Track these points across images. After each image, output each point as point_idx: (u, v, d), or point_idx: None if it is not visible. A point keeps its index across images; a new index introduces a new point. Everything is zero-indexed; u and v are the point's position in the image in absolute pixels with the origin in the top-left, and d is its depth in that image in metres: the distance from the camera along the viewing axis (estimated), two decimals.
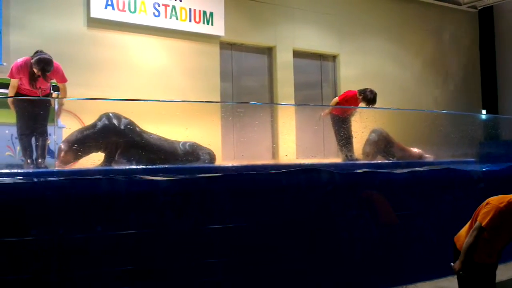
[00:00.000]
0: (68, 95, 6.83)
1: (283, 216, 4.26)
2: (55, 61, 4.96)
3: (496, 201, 3.31)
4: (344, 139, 6.88)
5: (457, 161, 6.68)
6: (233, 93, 9.39)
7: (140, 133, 5.24)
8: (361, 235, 4.47)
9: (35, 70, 4.76)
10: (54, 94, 5.39)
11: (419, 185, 5.21)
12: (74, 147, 4.87)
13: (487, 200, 3.37)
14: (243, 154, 6.79)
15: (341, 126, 6.98)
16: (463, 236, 3.49)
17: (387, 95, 10.63)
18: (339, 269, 4.29)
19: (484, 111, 12.06)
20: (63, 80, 5.18)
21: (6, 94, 5.77)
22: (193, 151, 5.35)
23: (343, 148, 6.91)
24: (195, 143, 5.52)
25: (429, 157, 7.34)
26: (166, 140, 5.45)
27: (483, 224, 3.24)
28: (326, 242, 4.35)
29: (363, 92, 7.03)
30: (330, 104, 7.44)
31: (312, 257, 4.25)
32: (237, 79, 9.56)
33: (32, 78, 4.88)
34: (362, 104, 7.09)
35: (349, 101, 7.17)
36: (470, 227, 3.46)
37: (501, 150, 7.46)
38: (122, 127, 5.15)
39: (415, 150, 7.59)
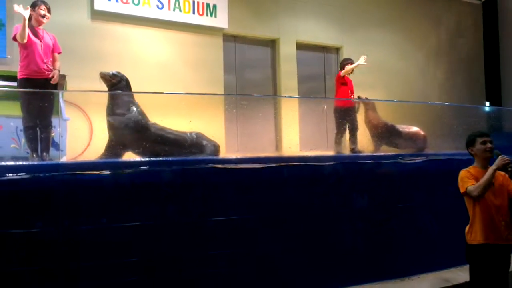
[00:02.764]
0: (72, 88, 6.88)
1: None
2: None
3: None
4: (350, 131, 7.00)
5: (461, 153, 6.67)
6: (236, 86, 9.39)
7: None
8: (363, 227, 4.49)
9: (41, 11, 5.07)
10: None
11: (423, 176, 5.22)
12: None
13: None
14: (246, 146, 6.82)
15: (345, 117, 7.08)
16: (468, 227, 3.50)
17: (390, 87, 10.64)
18: (342, 261, 4.31)
19: (487, 103, 12.04)
20: (60, 49, 5.34)
21: (10, 86, 5.81)
22: (200, 141, 5.37)
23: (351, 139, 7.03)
24: (200, 133, 5.54)
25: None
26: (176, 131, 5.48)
27: (467, 188, 3.34)
28: (327, 235, 4.37)
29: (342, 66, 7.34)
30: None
31: (312, 248, 4.27)
32: (241, 72, 9.56)
33: (34, 32, 5.03)
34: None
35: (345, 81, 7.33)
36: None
37: (504, 142, 7.44)
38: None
39: (416, 128, 7.74)
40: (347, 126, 7.06)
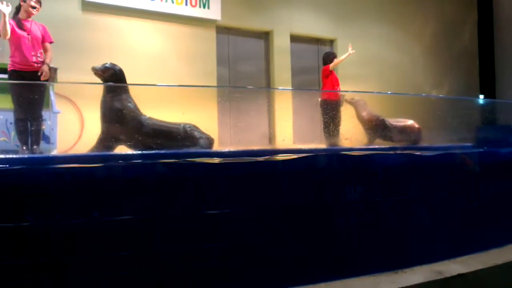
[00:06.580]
0: (63, 80, 6.81)
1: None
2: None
3: None
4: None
5: (456, 146, 6.67)
6: (229, 78, 9.34)
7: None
8: (358, 219, 4.47)
9: (32, 2, 5.04)
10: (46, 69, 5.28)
11: (418, 169, 5.21)
12: None
13: None
14: (239, 139, 6.79)
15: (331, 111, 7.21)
16: None
17: (385, 80, 10.62)
18: (334, 254, 4.30)
19: (481, 96, 12.06)
20: (51, 39, 5.30)
21: (1, 78, 5.74)
22: (193, 134, 5.31)
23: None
24: (194, 125, 5.49)
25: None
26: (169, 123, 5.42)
27: None
28: (318, 228, 4.35)
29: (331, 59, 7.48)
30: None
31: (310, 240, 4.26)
32: (234, 64, 9.51)
33: (20, 25, 5.02)
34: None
35: (329, 76, 7.42)
36: None
37: (498, 135, 7.44)
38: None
39: (411, 121, 7.78)
40: (332, 118, 7.15)
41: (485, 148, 5.97)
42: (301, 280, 4.02)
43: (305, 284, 3.94)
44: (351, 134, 6.99)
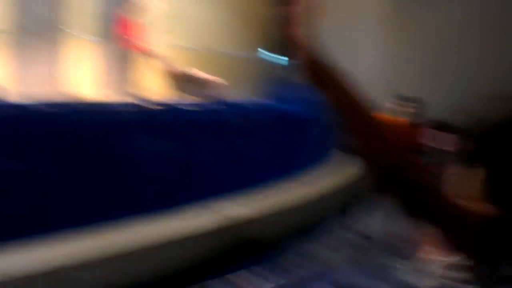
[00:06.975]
0: None
1: None
2: None
3: None
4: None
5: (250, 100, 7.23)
6: (19, 22, 8.30)
7: None
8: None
9: None
10: None
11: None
12: None
13: None
14: (30, 88, 6.30)
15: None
16: None
17: (189, 37, 10.68)
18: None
19: (272, 54, 12.67)
20: None
21: None
22: None
23: None
24: None
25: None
26: None
27: None
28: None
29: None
30: None
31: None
32: (25, 5, 8.44)
33: None
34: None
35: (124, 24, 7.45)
36: None
37: (287, 92, 8.18)
38: None
39: (213, 77, 8.11)
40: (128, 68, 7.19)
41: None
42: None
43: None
44: (149, 86, 7.05)
